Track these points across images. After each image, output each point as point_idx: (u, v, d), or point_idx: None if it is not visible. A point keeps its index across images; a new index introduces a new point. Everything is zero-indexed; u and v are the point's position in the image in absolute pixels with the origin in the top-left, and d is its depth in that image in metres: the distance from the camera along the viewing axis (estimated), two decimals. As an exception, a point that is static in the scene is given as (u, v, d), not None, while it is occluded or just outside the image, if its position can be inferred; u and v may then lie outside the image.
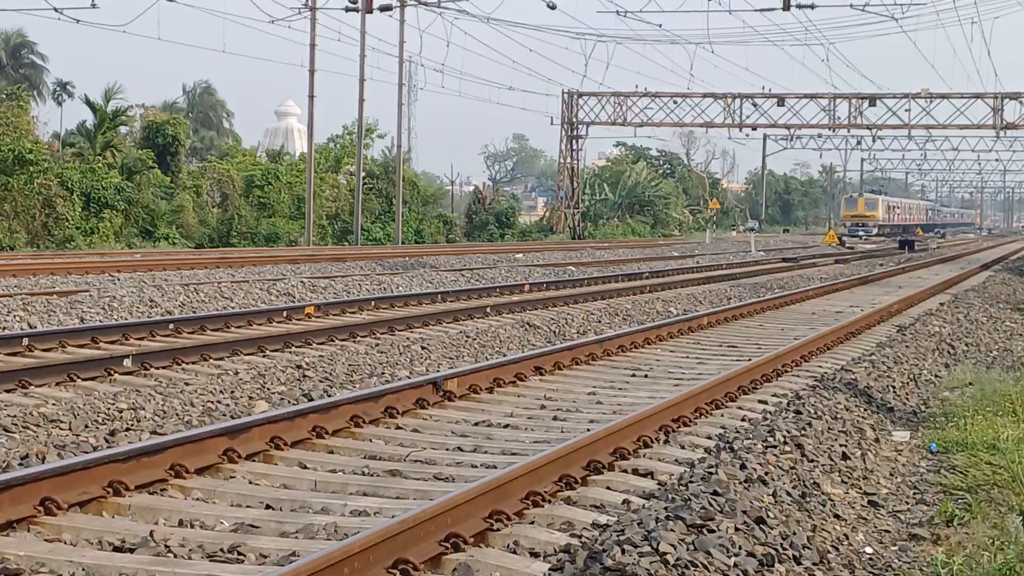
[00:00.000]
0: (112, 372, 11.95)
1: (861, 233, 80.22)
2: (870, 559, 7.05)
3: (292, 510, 7.22)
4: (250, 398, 11.02)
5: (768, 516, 6.97)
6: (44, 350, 13.20)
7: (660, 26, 65.89)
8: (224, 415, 10.17)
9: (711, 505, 6.81)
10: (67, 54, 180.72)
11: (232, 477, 7.95)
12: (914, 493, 8.83)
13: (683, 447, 9.27)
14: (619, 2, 47.94)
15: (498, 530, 6.69)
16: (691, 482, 7.41)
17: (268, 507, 7.27)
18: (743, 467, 7.95)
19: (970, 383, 13.50)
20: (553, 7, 42.46)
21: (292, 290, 21.91)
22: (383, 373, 12.96)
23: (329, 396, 11.06)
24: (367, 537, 5.78)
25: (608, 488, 7.86)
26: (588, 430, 9.13)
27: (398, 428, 9.85)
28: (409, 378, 12.12)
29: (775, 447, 8.85)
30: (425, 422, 10.18)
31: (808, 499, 7.86)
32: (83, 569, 5.93)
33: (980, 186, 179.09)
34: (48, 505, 6.69)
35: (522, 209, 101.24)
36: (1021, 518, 7.36)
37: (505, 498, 6.98)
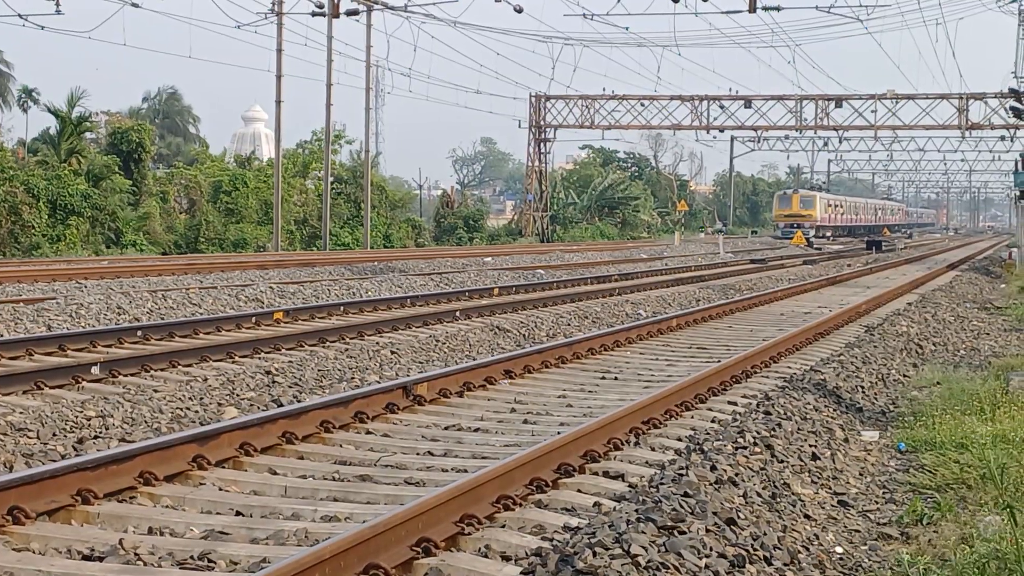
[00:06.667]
0: (80, 380, 11.88)
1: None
2: (840, 559, 7.08)
3: (262, 516, 7.19)
4: (219, 404, 10.98)
5: (739, 517, 6.99)
6: (11, 358, 13.11)
7: (627, 29, 66.15)
8: (193, 422, 10.14)
9: (682, 507, 6.83)
10: (32, 60, 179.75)
11: (202, 484, 7.92)
12: (883, 492, 8.88)
13: (653, 449, 9.28)
14: (585, 5, 48.11)
15: (469, 534, 6.68)
16: (662, 484, 7.43)
17: (238, 514, 7.24)
18: (713, 468, 7.97)
19: (938, 382, 13.59)
20: (520, 10, 42.48)
21: (261, 296, 21.84)
22: (353, 378, 12.94)
23: (299, 402, 11.05)
24: (338, 542, 5.76)
25: (579, 491, 7.87)
26: (559, 433, 9.13)
27: (368, 433, 9.84)
28: (379, 383, 12.11)
29: (745, 448, 8.87)
30: (395, 427, 10.17)
31: (778, 500, 7.89)
32: (52, 578, 5.89)
33: (946, 186, 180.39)
34: (16, 514, 6.65)
35: (490, 212, 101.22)
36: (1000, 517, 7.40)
37: (476, 502, 6.98)
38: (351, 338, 16.31)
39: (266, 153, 77.32)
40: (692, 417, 10.83)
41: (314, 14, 48.09)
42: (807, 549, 7.09)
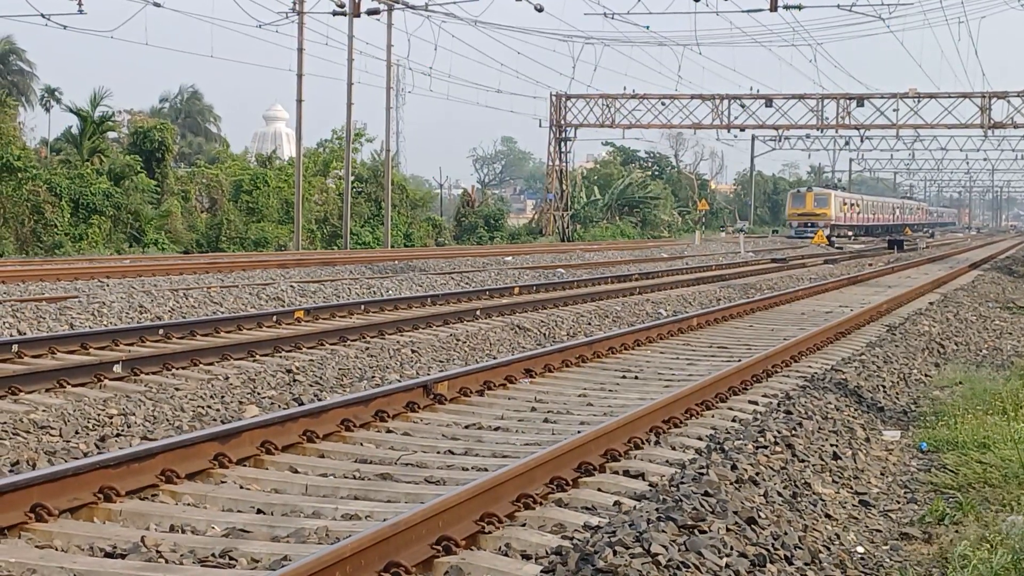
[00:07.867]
0: (102, 378, 11.92)
1: (810, 235, 76.28)
2: (861, 558, 7.06)
3: (283, 514, 7.21)
4: (240, 403, 11.01)
5: (759, 516, 6.98)
6: (34, 356, 13.17)
7: (647, 28, 66.06)
8: (215, 420, 10.16)
9: (702, 506, 6.82)
10: (55, 60, 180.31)
11: (223, 482, 7.94)
12: (905, 492, 8.84)
13: (674, 448, 9.27)
14: (606, 4, 48.08)
15: (489, 532, 6.69)
16: (682, 483, 7.41)
17: (259, 512, 7.26)
18: (734, 468, 7.95)
19: (960, 382, 13.53)
20: (540, 10, 42.49)
21: (282, 294, 21.88)
22: (373, 377, 12.96)
23: (319, 400, 11.07)
24: (358, 540, 5.77)
25: (599, 490, 7.86)
26: (579, 432, 9.13)
27: (389, 432, 9.85)
28: (399, 381, 12.12)
29: (766, 447, 8.86)
30: (416, 425, 10.18)
31: (799, 499, 7.87)
32: (74, 575, 5.92)
33: (968, 185, 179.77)
34: (39, 511, 6.68)
35: (511, 212, 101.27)
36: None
37: (496, 500, 6.98)
38: (372, 337, 16.33)
39: (287, 152, 77.54)
40: (713, 416, 10.81)
41: (335, 13, 48.23)
42: (828, 549, 7.07)
